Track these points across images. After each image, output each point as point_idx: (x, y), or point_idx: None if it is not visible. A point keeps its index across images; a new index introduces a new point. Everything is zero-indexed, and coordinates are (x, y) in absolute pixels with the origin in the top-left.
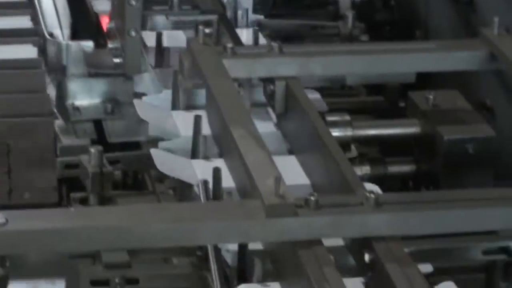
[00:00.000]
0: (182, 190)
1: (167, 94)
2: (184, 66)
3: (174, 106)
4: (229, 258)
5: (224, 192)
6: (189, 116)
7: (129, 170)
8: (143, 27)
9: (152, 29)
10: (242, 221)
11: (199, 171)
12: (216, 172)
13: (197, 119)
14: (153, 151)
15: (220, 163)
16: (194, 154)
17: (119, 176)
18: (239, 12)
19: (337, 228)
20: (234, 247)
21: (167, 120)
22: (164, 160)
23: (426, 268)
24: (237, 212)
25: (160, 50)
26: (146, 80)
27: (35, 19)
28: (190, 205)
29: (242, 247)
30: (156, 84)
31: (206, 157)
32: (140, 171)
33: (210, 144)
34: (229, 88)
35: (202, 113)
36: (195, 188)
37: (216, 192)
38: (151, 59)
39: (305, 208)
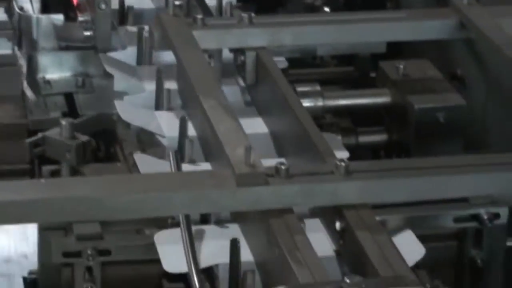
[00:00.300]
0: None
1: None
2: (154, 37)
3: (158, 106)
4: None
5: (187, 140)
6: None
7: (100, 142)
8: None
9: None
10: (213, 190)
11: (163, 122)
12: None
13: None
14: (117, 102)
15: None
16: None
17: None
18: None
19: (307, 196)
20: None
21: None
22: (128, 111)
23: None
24: (208, 181)
25: (123, 10)
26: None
27: None
28: (161, 175)
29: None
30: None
31: (170, 109)
32: (111, 144)
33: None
34: (199, 60)
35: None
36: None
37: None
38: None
39: (276, 177)
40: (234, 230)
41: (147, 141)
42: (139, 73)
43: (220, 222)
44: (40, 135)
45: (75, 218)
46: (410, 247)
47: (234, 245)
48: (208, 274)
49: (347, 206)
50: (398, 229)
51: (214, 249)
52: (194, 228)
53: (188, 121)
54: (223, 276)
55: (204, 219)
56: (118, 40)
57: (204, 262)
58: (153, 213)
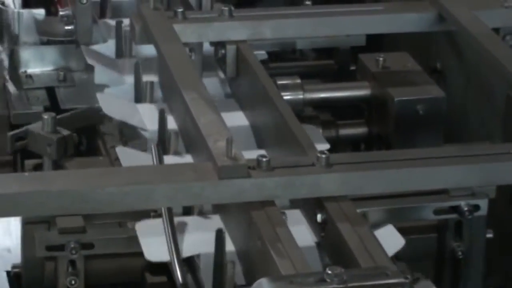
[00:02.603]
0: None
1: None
2: (135, 31)
3: (137, 99)
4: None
5: (172, 133)
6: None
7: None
8: None
9: None
10: (195, 183)
11: (144, 115)
12: (219, 235)
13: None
14: (99, 95)
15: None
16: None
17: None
18: None
19: (289, 188)
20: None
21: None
22: (110, 104)
23: None
24: (190, 174)
25: (103, 3)
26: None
27: None
28: (143, 168)
29: None
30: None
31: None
32: (94, 138)
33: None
34: (180, 53)
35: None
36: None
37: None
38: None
39: (257, 170)
40: (216, 221)
41: (129, 134)
42: (120, 66)
43: (202, 214)
44: (23, 128)
45: (57, 212)
46: (389, 238)
47: (220, 236)
48: (190, 264)
49: (328, 198)
50: (379, 222)
51: (196, 240)
52: (176, 219)
53: (167, 114)
54: (205, 266)
55: (187, 211)
56: (99, 34)
57: (185, 252)
58: (135, 206)
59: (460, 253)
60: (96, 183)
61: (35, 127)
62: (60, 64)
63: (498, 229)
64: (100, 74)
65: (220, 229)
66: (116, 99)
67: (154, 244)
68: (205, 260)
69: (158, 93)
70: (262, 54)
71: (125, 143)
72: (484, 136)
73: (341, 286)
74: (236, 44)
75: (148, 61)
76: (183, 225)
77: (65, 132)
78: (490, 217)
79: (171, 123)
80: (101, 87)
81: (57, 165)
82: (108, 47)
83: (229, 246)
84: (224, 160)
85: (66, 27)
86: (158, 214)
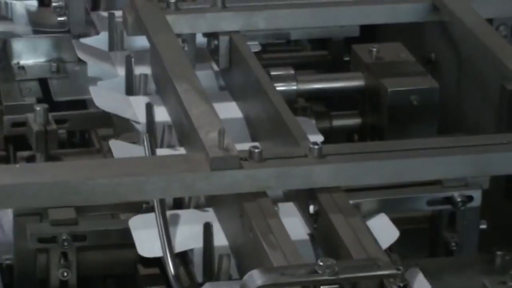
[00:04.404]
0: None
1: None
2: (127, 22)
3: (128, 91)
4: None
5: (165, 126)
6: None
7: (75, 129)
8: None
9: None
10: (187, 174)
11: (137, 108)
12: (207, 228)
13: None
14: (91, 88)
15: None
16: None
17: (64, 134)
18: None
19: (281, 180)
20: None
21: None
22: (103, 97)
23: None
24: (182, 165)
25: None
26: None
27: None
28: (135, 160)
29: None
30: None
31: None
32: (86, 130)
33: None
34: (173, 44)
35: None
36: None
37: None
38: None
39: (249, 161)
40: (209, 214)
41: (122, 125)
42: (112, 59)
43: (195, 207)
44: (22, 115)
45: (49, 203)
46: (384, 230)
47: (207, 229)
48: (183, 258)
49: (321, 189)
50: (372, 212)
51: (189, 234)
52: (168, 213)
53: (158, 106)
54: (198, 261)
55: (178, 203)
56: (92, 26)
57: (178, 247)
58: (127, 198)
59: (453, 244)
60: (88, 175)
61: (31, 116)
62: (52, 55)
63: (492, 220)
64: (93, 68)
65: (207, 222)
66: (108, 92)
67: (147, 240)
68: (198, 255)
69: (152, 86)
70: (255, 45)
71: (118, 135)
72: (478, 127)
73: (332, 277)
74: (229, 35)
75: (141, 54)
76: (176, 218)
77: (50, 127)
78: (484, 208)
79: (165, 116)
80: (94, 80)
81: (50, 157)
82: (100, 40)
83: (223, 240)
84: (216, 151)
85: (59, 19)
86: (150, 206)
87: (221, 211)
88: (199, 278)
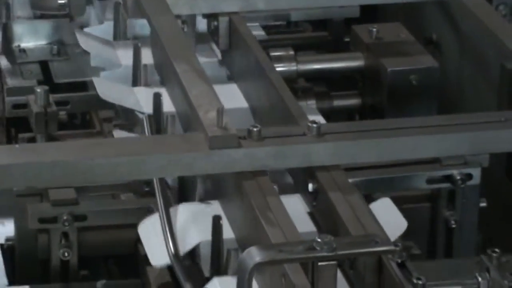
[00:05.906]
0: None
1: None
2: (127, 4)
3: (135, 82)
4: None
5: (168, 116)
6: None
7: (76, 111)
8: None
9: None
10: (186, 153)
11: (141, 98)
12: (216, 221)
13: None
14: (95, 79)
15: (161, 90)
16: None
17: (65, 116)
18: None
19: (280, 158)
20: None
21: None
22: (106, 87)
23: None
24: (181, 144)
25: None
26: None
27: None
28: (134, 139)
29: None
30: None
31: (147, 85)
32: (87, 112)
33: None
34: (172, 25)
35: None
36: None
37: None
38: None
39: (248, 139)
40: (215, 207)
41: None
42: (116, 48)
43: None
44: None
45: (49, 183)
46: (392, 221)
47: (216, 222)
48: (190, 252)
49: (320, 167)
50: (371, 191)
51: (195, 228)
52: (172, 209)
53: (162, 97)
54: (205, 255)
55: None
56: (95, 15)
57: (186, 244)
58: (127, 177)
59: (453, 222)
60: (87, 154)
61: (32, 98)
62: (53, 38)
63: (493, 199)
64: (96, 57)
65: (217, 215)
66: (112, 83)
67: (157, 247)
68: (204, 248)
69: (156, 77)
70: (261, 34)
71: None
72: (478, 106)
73: (330, 254)
74: (229, 16)
75: (145, 42)
76: (181, 212)
77: (50, 109)
78: (483, 186)
79: (169, 106)
80: (97, 70)
81: (51, 138)
82: (103, 29)
83: (229, 233)
84: (214, 130)
85: (60, 1)
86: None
87: (226, 203)
88: (206, 272)
